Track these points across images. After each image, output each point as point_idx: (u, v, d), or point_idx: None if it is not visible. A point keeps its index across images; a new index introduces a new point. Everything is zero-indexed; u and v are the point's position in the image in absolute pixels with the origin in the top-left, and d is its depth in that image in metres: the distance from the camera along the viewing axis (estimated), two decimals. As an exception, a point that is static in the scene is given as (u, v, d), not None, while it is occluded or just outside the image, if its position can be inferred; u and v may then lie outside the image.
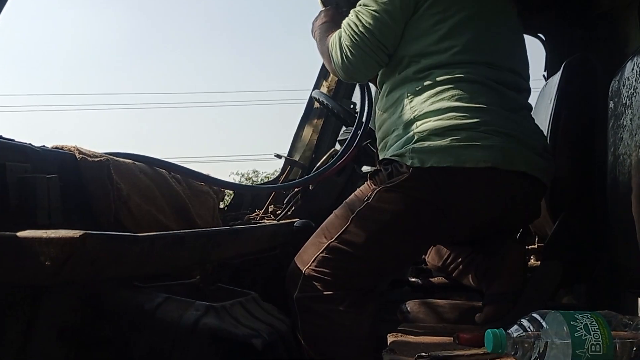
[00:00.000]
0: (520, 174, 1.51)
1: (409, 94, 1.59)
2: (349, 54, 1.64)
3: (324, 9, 1.89)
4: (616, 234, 1.62)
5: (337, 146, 2.30)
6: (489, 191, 1.51)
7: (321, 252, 1.55)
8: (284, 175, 2.56)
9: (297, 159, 2.75)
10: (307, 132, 2.84)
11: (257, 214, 2.23)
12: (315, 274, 1.54)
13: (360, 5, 1.65)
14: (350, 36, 1.63)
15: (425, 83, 1.57)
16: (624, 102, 1.51)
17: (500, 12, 1.71)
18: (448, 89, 1.54)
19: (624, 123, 1.51)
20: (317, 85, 2.86)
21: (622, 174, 1.50)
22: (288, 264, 1.69)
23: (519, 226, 1.85)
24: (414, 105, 1.57)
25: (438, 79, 1.56)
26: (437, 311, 1.83)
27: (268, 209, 2.17)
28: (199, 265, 1.56)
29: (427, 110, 1.53)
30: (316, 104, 2.84)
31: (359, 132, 1.96)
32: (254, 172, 25.00)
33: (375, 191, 1.55)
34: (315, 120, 2.83)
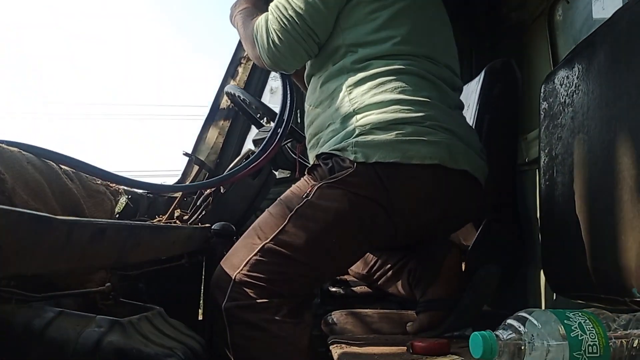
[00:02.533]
0: (463, 172, 1.44)
1: (347, 86, 1.47)
2: (276, 39, 1.49)
3: None
4: (548, 238, 1.59)
5: (252, 147, 2.11)
6: (434, 189, 1.41)
7: (254, 255, 1.35)
8: (189, 179, 2.31)
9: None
10: (212, 134, 2.62)
11: (160, 219, 1.96)
12: (248, 280, 1.34)
13: None
14: (279, 19, 1.48)
15: (365, 74, 1.46)
16: (562, 100, 1.49)
17: (434, 5, 1.65)
18: (390, 81, 1.43)
19: (563, 122, 1.49)
20: (223, 84, 2.66)
21: (562, 174, 1.47)
22: (195, 276, 1.48)
23: (455, 229, 1.77)
24: (354, 97, 1.44)
25: (378, 70, 1.45)
26: (366, 321, 1.71)
27: (174, 213, 1.91)
28: (111, 269, 1.29)
29: (368, 103, 1.42)
30: (223, 104, 2.64)
31: (280, 130, 1.78)
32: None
33: (316, 187, 1.39)
34: (222, 122, 2.62)
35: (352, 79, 1.47)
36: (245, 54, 2.71)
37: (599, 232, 1.27)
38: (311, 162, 1.60)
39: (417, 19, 1.54)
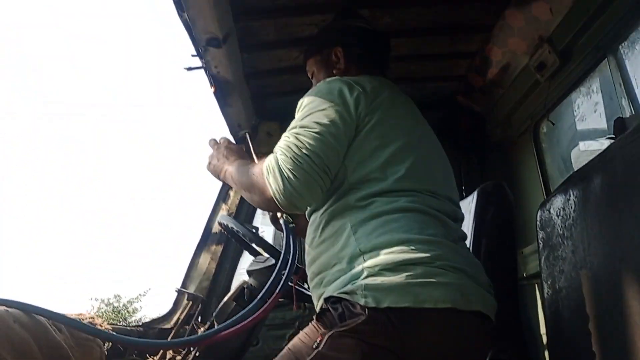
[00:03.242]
0: (477, 313, 1.38)
1: (352, 225, 1.43)
2: (292, 177, 1.42)
3: (223, 146, 1.73)
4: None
5: (246, 277, 2.05)
6: (447, 332, 1.35)
7: None
8: (183, 314, 2.23)
9: (192, 291, 2.45)
10: (204, 259, 2.58)
11: (152, 360, 1.87)
12: None
13: (295, 127, 1.50)
14: (293, 159, 1.43)
15: (370, 212, 1.43)
16: (561, 232, 1.48)
17: (432, 140, 1.68)
18: (395, 220, 1.40)
19: (563, 254, 1.46)
20: (215, 209, 2.65)
21: (568, 309, 1.43)
22: None
23: None
24: (359, 236, 1.40)
25: (383, 208, 1.43)
26: None
27: (166, 354, 1.82)
28: None
29: (374, 243, 1.38)
30: (215, 229, 2.61)
31: (284, 272, 1.70)
32: (116, 297, 23.28)
33: (327, 336, 1.30)
34: (214, 247, 2.59)
35: (356, 217, 1.44)
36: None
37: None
38: (315, 302, 1.54)
39: (417, 155, 1.54)
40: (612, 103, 1.91)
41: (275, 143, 2.70)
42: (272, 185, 1.45)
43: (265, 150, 2.67)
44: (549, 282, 1.55)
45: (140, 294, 23.20)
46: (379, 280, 1.31)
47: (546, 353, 1.61)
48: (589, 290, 1.33)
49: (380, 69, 1.78)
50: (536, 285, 2.37)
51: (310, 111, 1.51)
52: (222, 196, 2.65)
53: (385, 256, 1.34)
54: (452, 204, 1.57)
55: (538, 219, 1.63)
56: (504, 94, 2.53)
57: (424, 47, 2.43)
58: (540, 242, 1.61)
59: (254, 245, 2.08)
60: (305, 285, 2.13)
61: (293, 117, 2.82)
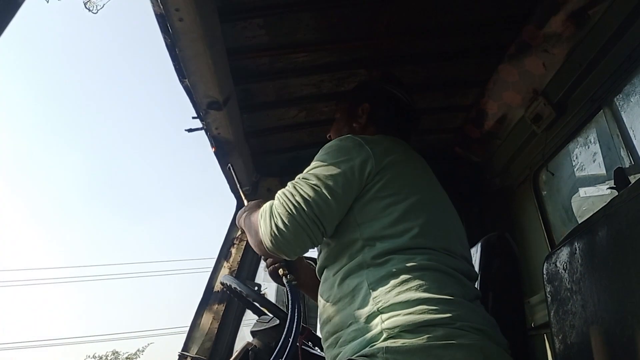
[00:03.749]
0: None
1: (369, 283, 1.42)
2: (280, 223, 1.45)
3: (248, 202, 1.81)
4: None
5: (250, 338, 2.02)
6: None
7: None
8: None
9: (194, 353, 2.40)
10: (207, 319, 2.52)
11: None
12: None
13: (298, 178, 1.53)
14: (285, 204, 1.46)
15: (387, 271, 1.41)
16: (569, 286, 1.47)
17: (444, 197, 1.68)
18: (413, 278, 1.39)
19: (573, 309, 1.45)
20: (217, 267, 2.63)
21: (579, 363, 1.41)
22: None
23: None
24: (377, 295, 1.39)
25: (400, 266, 1.41)
26: None
27: None
28: None
29: (393, 302, 1.36)
30: (216, 288, 2.58)
31: (292, 334, 1.65)
32: (114, 354, 22.81)
33: None
34: (216, 306, 2.54)
35: (373, 276, 1.42)
36: (238, 234, 2.73)
37: None
38: None
39: (431, 212, 1.55)
40: (610, 153, 1.93)
41: (275, 200, 2.70)
42: (262, 229, 1.49)
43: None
44: (559, 337, 1.53)
45: (139, 350, 22.77)
46: (399, 342, 1.28)
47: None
48: (601, 346, 1.32)
49: (401, 135, 1.79)
50: (545, 335, 2.34)
51: (315, 166, 1.54)
52: (224, 254, 2.63)
53: (405, 317, 1.32)
54: (467, 262, 1.57)
55: (545, 271, 1.62)
56: (502, 144, 2.56)
57: (420, 101, 2.47)
58: (549, 295, 1.60)
59: (257, 304, 2.06)
60: (310, 344, 2.10)
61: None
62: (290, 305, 1.60)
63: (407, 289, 1.37)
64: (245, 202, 1.86)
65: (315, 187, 1.47)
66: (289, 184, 1.53)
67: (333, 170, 1.51)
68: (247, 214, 1.70)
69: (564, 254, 1.52)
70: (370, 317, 1.36)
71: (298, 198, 1.46)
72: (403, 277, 1.39)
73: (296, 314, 1.59)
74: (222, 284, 2.15)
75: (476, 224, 2.80)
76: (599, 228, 1.35)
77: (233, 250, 2.69)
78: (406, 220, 1.48)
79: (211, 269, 2.69)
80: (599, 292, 1.32)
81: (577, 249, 1.44)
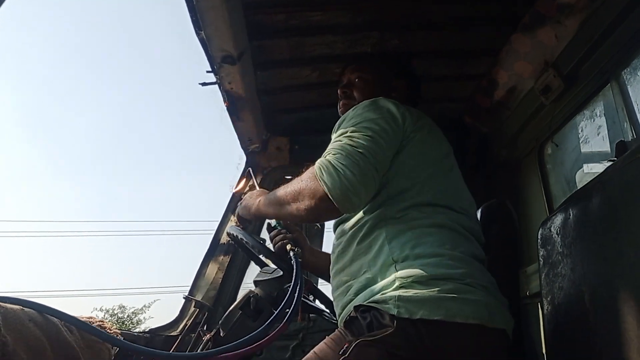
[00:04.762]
0: (500, 331, 1.43)
1: (387, 235, 1.49)
2: (348, 172, 1.42)
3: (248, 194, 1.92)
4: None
5: (253, 287, 2.09)
6: (472, 349, 1.38)
7: None
8: (189, 321, 2.27)
9: (199, 299, 2.49)
10: (212, 269, 2.62)
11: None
12: None
13: (346, 132, 1.54)
14: (348, 156, 1.45)
15: (406, 224, 1.49)
16: (561, 250, 1.52)
17: (456, 164, 1.78)
18: (430, 234, 1.47)
19: (563, 272, 1.50)
20: (224, 220, 2.70)
21: (567, 326, 1.46)
22: None
23: None
24: (394, 246, 1.46)
25: (419, 221, 1.50)
26: None
27: (172, 361, 1.85)
28: None
29: (408, 254, 1.43)
30: (223, 240, 2.66)
31: (297, 288, 1.68)
32: (120, 308, 23.35)
33: (354, 344, 1.33)
34: (222, 257, 2.63)
35: (393, 228, 1.50)
36: (246, 189, 2.79)
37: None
38: (337, 310, 1.57)
39: (450, 177, 1.67)
40: (615, 126, 1.96)
41: (285, 158, 2.77)
42: (328, 183, 1.43)
43: (274, 164, 2.75)
44: (548, 299, 1.59)
45: (145, 305, 23.26)
46: (411, 292, 1.35)
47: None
48: (588, 308, 1.37)
49: None
50: (538, 304, 2.39)
51: (361, 120, 1.57)
52: (231, 208, 2.69)
53: (419, 269, 1.39)
54: (477, 224, 1.65)
55: (539, 236, 1.67)
56: (510, 115, 2.58)
57: (432, 69, 2.50)
58: (541, 259, 1.65)
59: (261, 256, 2.12)
60: (311, 297, 2.17)
61: (302, 133, 2.91)
62: (295, 269, 1.65)
63: (422, 243, 1.45)
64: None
65: (371, 138, 1.51)
66: (341, 138, 1.54)
67: (381, 123, 1.57)
68: (273, 194, 1.69)
69: (558, 219, 1.56)
70: (385, 266, 1.44)
71: (359, 149, 1.48)
72: (420, 231, 1.47)
73: (300, 275, 1.64)
74: (228, 234, 2.21)
75: (480, 195, 2.84)
76: (594, 194, 1.39)
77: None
78: (431, 179, 1.57)
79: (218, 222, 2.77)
80: (589, 256, 1.37)
81: (571, 214, 1.48)
